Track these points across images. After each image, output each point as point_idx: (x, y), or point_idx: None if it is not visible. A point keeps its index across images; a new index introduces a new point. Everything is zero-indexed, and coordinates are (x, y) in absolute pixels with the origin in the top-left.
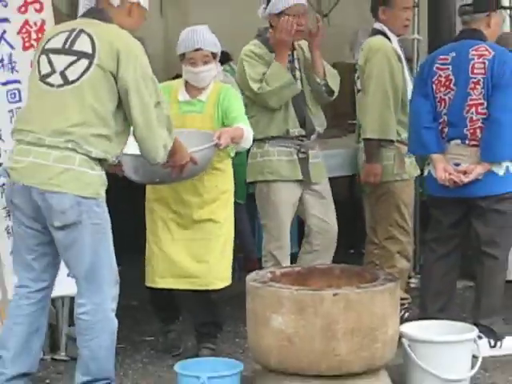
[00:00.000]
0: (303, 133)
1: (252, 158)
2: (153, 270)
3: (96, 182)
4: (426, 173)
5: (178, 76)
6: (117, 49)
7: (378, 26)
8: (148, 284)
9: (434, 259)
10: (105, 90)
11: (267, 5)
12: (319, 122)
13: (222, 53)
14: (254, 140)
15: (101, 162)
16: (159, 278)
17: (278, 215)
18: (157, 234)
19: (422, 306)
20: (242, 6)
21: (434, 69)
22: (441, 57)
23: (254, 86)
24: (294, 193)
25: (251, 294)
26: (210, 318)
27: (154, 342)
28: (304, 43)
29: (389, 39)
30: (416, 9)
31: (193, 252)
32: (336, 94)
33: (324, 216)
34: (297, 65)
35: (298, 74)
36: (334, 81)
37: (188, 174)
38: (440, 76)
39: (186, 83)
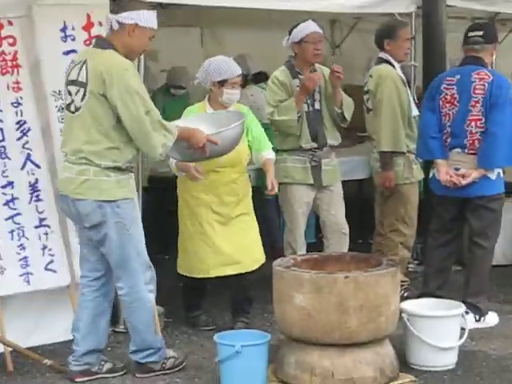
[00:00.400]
0: (315, 146)
1: (276, 163)
2: (204, 264)
3: (113, 186)
4: (431, 175)
5: None
6: (100, 72)
7: (382, 55)
8: (201, 275)
9: (435, 246)
10: (100, 111)
11: (289, 36)
12: (333, 136)
13: (261, 72)
14: (277, 150)
15: (118, 169)
16: (212, 269)
17: (293, 212)
18: (204, 233)
19: (424, 283)
20: (270, 36)
21: (442, 88)
22: (448, 78)
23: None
24: (306, 194)
25: (277, 277)
26: (244, 296)
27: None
28: (326, 70)
29: (393, 66)
30: (413, 40)
31: (234, 242)
32: (349, 121)
33: (334, 211)
34: (316, 88)
35: (317, 95)
36: (348, 111)
37: (215, 153)
38: (446, 94)
39: (210, 103)
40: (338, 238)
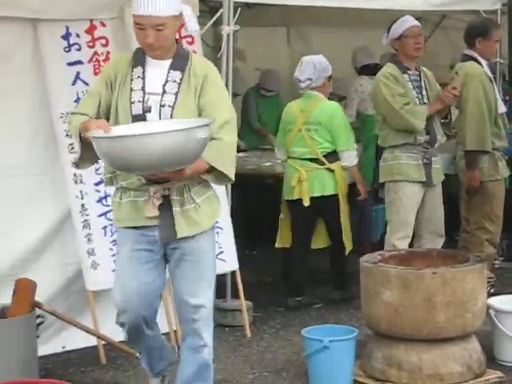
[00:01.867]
0: (428, 139)
1: (384, 161)
2: None
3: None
4: None
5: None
6: None
7: (468, 52)
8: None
9: None
10: None
11: (388, 33)
12: (441, 132)
13: (369, 65)
14: (386, 147)
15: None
16: None
17: (404, 210)
18: None
19: None
20: (358, 34)
21: None
22: None
23: (396, 106)
24: (418, 192)
25: (364, 273)
26: None
27: (284, 312)
28: (428, 72)
29: (479, 64)
30: None
31: None
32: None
33: (436, 212)
34: (423, 84)
35: (424, 92)
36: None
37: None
38: None
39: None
40: (433, 239)
